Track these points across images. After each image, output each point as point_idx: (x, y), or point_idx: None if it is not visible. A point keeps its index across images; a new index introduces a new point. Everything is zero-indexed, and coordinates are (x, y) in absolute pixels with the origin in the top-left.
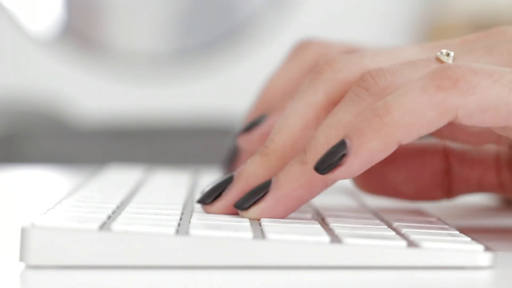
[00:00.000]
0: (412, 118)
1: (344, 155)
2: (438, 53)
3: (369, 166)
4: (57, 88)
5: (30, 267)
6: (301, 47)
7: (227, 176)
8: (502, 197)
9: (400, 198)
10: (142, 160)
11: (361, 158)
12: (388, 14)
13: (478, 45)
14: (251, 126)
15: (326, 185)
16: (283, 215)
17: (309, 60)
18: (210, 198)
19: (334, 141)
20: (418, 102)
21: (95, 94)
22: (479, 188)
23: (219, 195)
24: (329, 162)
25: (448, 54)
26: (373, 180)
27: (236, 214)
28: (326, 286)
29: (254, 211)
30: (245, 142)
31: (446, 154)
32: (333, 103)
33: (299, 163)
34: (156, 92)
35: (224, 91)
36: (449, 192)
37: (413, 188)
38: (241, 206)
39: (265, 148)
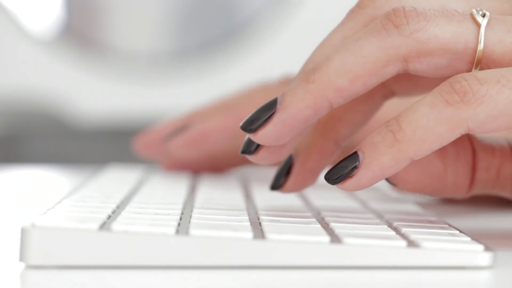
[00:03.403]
0: (423, 134)
1: (355, 167)
2: (474, 11)
3: (379, 180)
4: (57, 88)
5: (30, 267)
6: (359, 5)
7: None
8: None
9: (441, 191)
10: (142, 160)
11: (372, 172)
12: None
13: None
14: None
15: (330, 106)
16: (288, 137)
17: (368, 17)
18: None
19: (347, 70)
20: (427, 118)
21: (95, 94)
22: (496, 179)
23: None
24: (340, 173)
25: (484, 15)
26: (417, 172)
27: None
28: (326, 286)
29: (262, 134)
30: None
31: (470, 140)
32: None
33: (305, 82)
34: (156, 92)
35: (224, 91)
36: (471, 184)
37: (453, 177)
38: (248, 127)
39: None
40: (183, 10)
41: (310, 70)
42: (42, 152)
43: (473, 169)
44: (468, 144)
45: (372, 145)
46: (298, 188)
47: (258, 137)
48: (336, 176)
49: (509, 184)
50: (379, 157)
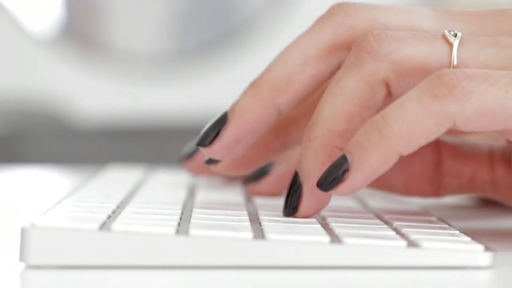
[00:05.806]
0: (411, 129)
1: (346, 171)
2: (446, 32)
3: (372, 180)
4: (57, 88)
5: (30, 267)
6: (330, 12)
7: (221, 113)
8: (483, 197)
9: (389, 190)
10: (142, 160)
11: (363, 173)
12: None
13: (488, 23)
14: (259, 174)
15: (341, 150)
16: (326, 202)
17: (336, 23)
18: (208, 139)
19: (339, 113)
20: (415, 112)
21: (95, 94)
22: (470, 185)
23: (217, 135)
24: (332, 178)
25: (455, 35)
26: None
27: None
28: (326, 286)
29: (299, 212)
30: (253, 191)
31: (438, 147)
32: (335, 46)
33: (308, 142)
34: (156, 92)
35: (224, 91)
36: (438, 187)
37: (402, 180)
38: (289, 214)
39: (257, 79)
40: (183, 10)
41: (307, 129)
42: (42, 152)
43: (439, 175)
44: (431, 151)
45: (359, 146)
46: (233, 170)
47: (298, 214)
48: (329, 181)
49: (488, 188)
50: (367, 156)
